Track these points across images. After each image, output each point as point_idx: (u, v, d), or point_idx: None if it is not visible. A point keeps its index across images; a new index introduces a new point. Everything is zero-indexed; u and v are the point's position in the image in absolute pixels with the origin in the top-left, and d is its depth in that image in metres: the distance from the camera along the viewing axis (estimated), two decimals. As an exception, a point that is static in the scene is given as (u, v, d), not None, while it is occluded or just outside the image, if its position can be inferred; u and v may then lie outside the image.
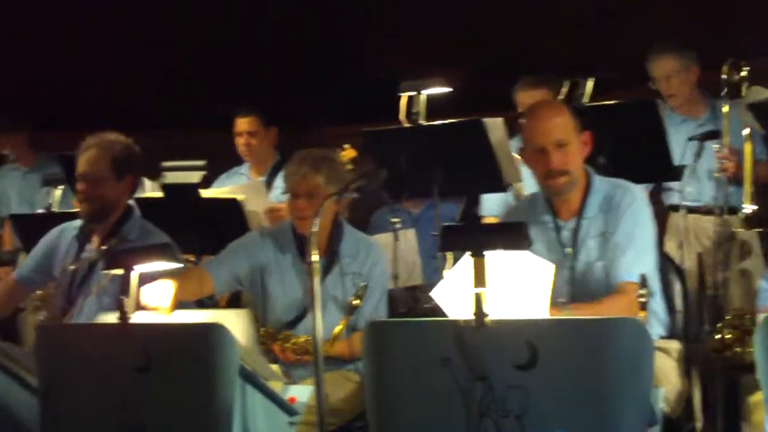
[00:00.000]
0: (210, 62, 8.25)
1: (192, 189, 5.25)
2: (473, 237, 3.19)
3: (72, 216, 4.79)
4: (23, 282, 4.72)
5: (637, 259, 3.83)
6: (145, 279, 3.49)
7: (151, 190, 5.55)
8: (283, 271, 4.45)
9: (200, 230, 5.01)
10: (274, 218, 5.46)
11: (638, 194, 3.99)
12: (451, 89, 5.24)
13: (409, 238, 5.62)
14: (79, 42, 8.24)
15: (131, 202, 4.73)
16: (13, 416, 3.66)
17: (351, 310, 4.31)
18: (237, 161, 6.40)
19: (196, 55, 8.17)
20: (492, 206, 5.78)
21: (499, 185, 5.07)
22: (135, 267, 3.38)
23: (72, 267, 4.51)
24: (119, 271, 3.42)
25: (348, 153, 5.77)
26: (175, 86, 8.19)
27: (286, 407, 3.46)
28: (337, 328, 4.27)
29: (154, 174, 5.57)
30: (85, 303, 4.46)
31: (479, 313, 3.04)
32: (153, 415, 3.28)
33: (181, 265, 3.55)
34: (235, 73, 8.16)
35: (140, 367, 3.29)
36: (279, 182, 6.20)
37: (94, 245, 4.56)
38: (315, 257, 3.50)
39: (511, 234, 3.19)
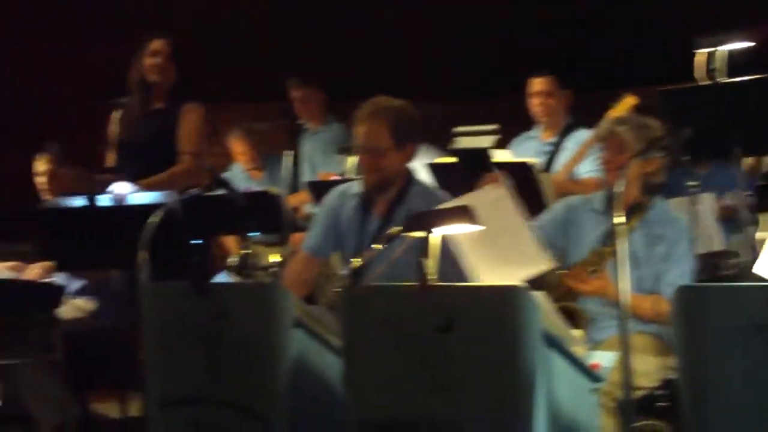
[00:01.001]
0: (503, 27, 8.17)
1: (484, 153, 5.23)
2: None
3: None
4: (315, 253, 4.73)
5: None
6: None
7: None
8: (585, 221, 4.49)
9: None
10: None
11: None
12: (753, 44, 5.00)
13: (707, 201, 5.42)
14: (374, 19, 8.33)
15: (413, 166, 4.71)
16: (316, 376, 3.73)
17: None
18: (526, 127, 6.36)
19: (484, 19, 8.12)
20: None
21: (805, 144, 4.82)
22: (435, 229, 3.37)
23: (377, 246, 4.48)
24: (420, 234, 3.41)
25: (628, 100, 5.66)
26: (466, 53, 8.17)
27: (590, 374, 3.38)
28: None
29: (442, 141, 5.59)
30: (380, 266, 4.50)
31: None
32: (454, 377, 3.27)
33: (483, 228, 3.50)
34: (530, 36, 8.05)
35: (441, 329, 3.28)
36: (569, 144, 6.14)
37: (377, 214, 4.57)
38: (620, 218, 3.42)
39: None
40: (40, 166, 6.03)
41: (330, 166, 6.67)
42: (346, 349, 3.53)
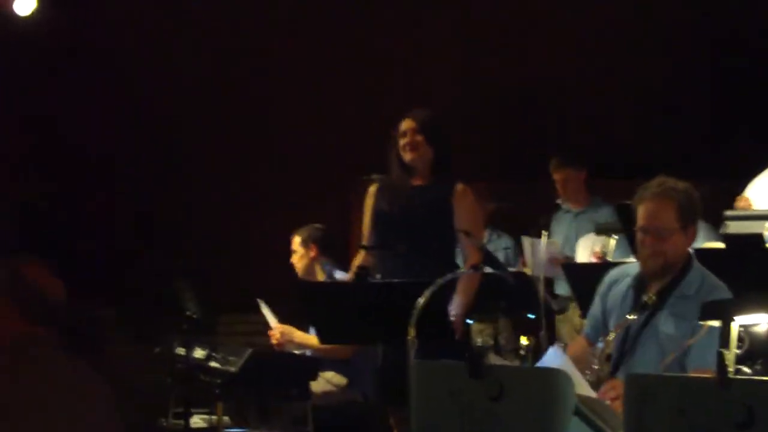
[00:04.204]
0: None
1: (756, 240, 4.99)
2: None
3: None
4: (593, 339, 4.57)
5: None
6: None
7: None
8: None
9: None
10: None
11: None
12: None
13: None
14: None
15: (691, 250, 4.55)
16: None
17: None
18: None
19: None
20: None
21: None
22: (735, 318, 3.20)
23: (631, 317, 4.36)
24: (715, 323, 3.25)
25: None
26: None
27: None
28: None
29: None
30: (643, 354, 4.35)
31: None
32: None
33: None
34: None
35: (741, 425, 3.09)
36: None
37: (649, 300, 4.39)
38: None
39: None
40: (295, 244, 6.16)
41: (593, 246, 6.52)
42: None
